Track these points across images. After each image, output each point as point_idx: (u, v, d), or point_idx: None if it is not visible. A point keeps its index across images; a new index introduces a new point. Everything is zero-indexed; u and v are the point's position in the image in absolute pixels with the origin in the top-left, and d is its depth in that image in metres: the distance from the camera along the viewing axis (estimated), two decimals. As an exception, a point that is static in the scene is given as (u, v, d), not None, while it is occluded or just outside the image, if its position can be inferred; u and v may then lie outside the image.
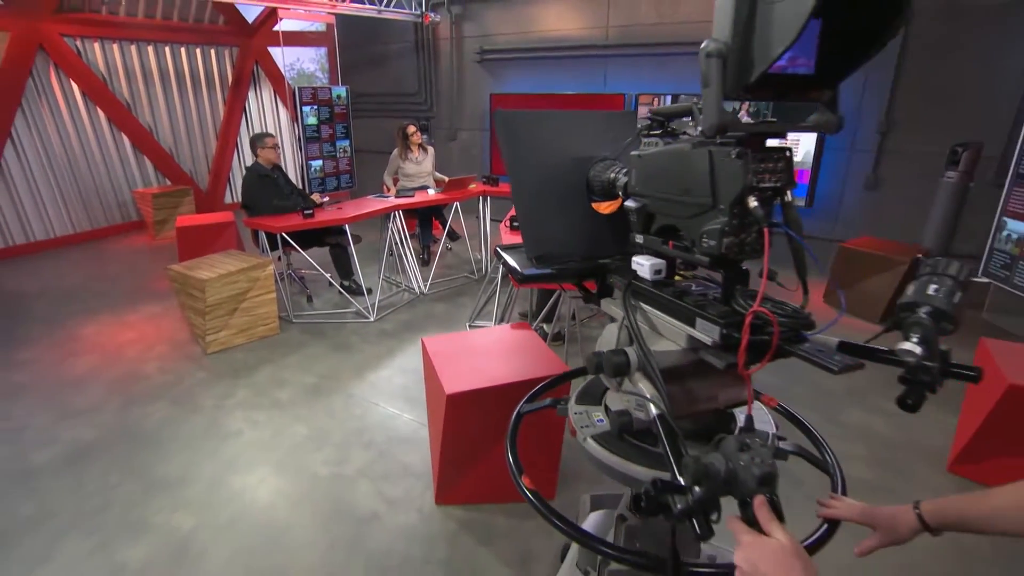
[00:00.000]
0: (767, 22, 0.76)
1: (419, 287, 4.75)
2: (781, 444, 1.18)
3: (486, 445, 2.21)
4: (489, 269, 5.17)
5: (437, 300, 4.67)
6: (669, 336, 1.04)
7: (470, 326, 4.04)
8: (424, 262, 5.30)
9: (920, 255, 4.04)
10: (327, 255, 4.51)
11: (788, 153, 0.88)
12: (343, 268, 4.47)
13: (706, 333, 0.92)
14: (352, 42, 7.56)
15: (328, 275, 4.39)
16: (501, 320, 3.82)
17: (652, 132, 1.09)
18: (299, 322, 4.16)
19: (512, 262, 1.26)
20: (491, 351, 2.34)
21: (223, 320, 3.65)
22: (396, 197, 4.74)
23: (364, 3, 6.14)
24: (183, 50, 7.13)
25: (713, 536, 0.76)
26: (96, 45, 6.40)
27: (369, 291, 4.44)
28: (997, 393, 2.34)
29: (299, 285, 4.77)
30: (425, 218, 5.39)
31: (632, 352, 1.05)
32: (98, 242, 6.44)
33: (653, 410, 1.00)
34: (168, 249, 6.08)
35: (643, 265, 1.05)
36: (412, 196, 4.76)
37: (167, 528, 2.22)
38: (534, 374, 2.11)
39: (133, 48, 6.70)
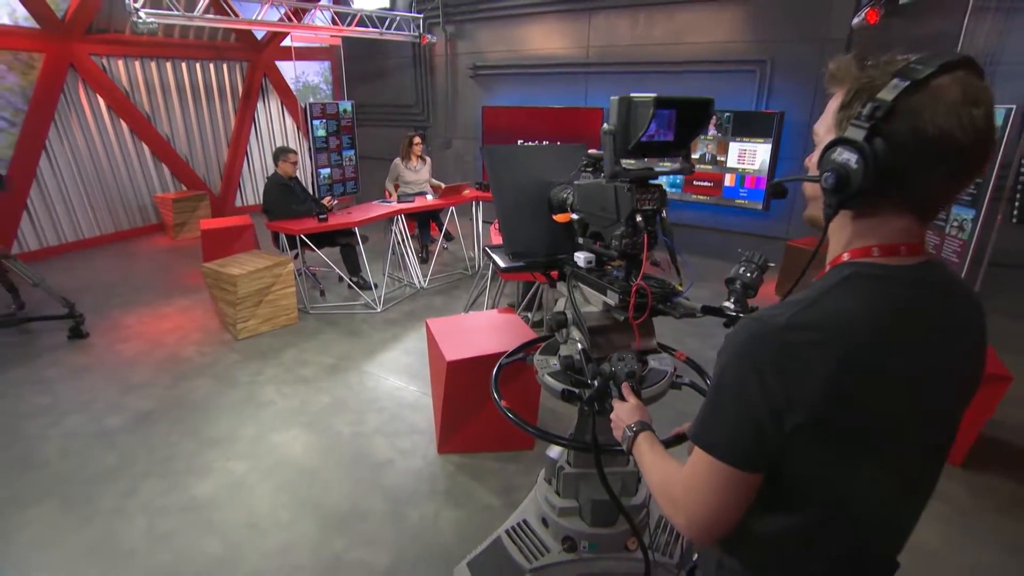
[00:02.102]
0: (635, 117, 1.34)
1: (419, 282, 5.34)
2: (677, 379, 1.77)
3: (479, 404, 2.80)
4: (481, 266, 5.77)
5: (435, 293, 5.26)
6: (594, 302, 1.62)
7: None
8: (423, 260, 5.89)
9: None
10: (337, 253, 5.09)
11: (661, 187, 1.45)
12: (352, 265, 5.05)
13: (611, 298, 1.49)
14: (355, 57, 8.12)
15: (338, 271, 4.98)
16: (492, 309, 4.41)
17: (586, 168, 1.67)
18: (315, 313, 4.74)
19: (496, 258, 1.83)
20: (482, 329, 2.93)
21: (251, 311, 4.23)
22: (398, 202, 5.32)
23: (367, 26, 6.72)
24: (198, 65, 7.69)
25: (610, 412, 1.32)
26: (120, 62, 6.95)
27: (376, 286, 5.02)
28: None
29: (313, 281, 5.35)
30: (423, 221, 5.97)
31: (569, 312, 1.64)
32: (123, 243, 6.99)
33: (579, 346, 1.59)
34: (188, 249, 6.66)
35: (580, 258, 1.58)
36: (412, 201, 5.34)
37: (224, 471, 2.80)
38: (516, 345, 2.70)
39: (153, 64, 7.25)
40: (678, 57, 6.03)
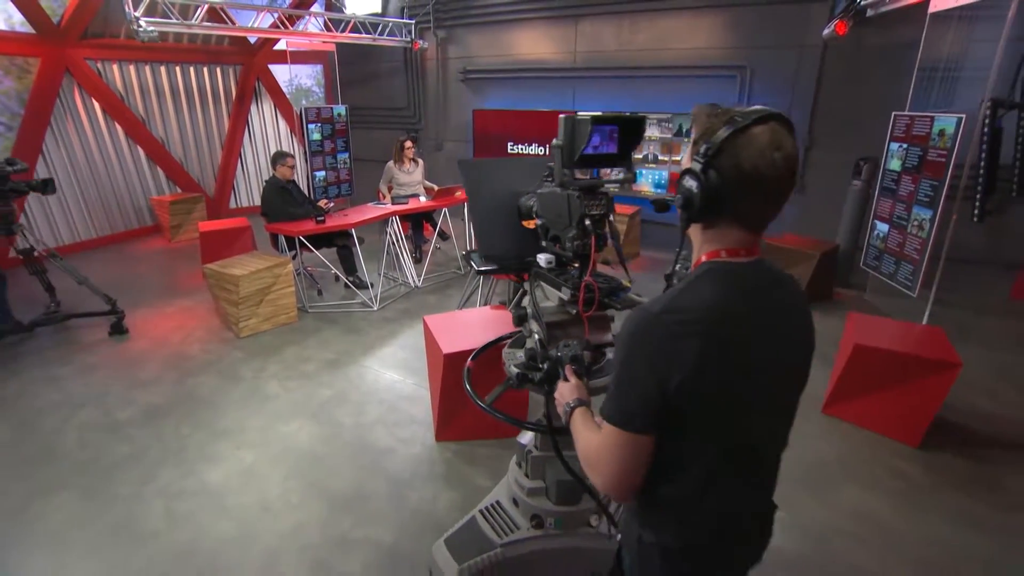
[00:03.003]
0: (578, 133, 1.52)
1: (414, 281, 5.52)
2: None
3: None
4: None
5: (429, 292, 5.44)
6: (552, 299, 1.81)
7: (458, 313, 4.82)
8: (417, 260, 6.07)
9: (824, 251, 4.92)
10: (334, 254, 5.25)
11: (608, 195, 1.62)
12: (348, 265, 5.21)
13: (564, 294, 1.64)
14: (347, 61, 8.27)
15: (334, 271, 5.15)
16: (484, 306, 4.61)
17: (547, 178, 1.85)
18: (314, 311, 4.91)
19: (473, 261, 2.01)
20: (476, 324, 3.13)
21: (252, 310, 4.39)
22: (392, 204, 5.50)
23: (360, 32, 6.88)
24: (191, 69, 7.80)
25: (555, 392, 1.42)
26: (114, 66, 7.05)
27: (372, 285, 5.20)
28: (849, 350, 3.19)
29: (310, 281, 5.51)
30: (417, 222, 6.15)
31: (530, 308, 1.83)
32: (119, 245, 7.09)
33: (536, 337, 1.77)
34: (185, 251, 6.79)
35: (542, 259, 1.70)
36: (406, 203, 5.52)
37: (234, 459, 2.97)
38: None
39: (147, 68, 7.35)
40: (662, 62, 6.26)
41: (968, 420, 3.30)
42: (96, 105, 6.94)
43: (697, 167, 0.95)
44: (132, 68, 7.21)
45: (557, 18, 6.76)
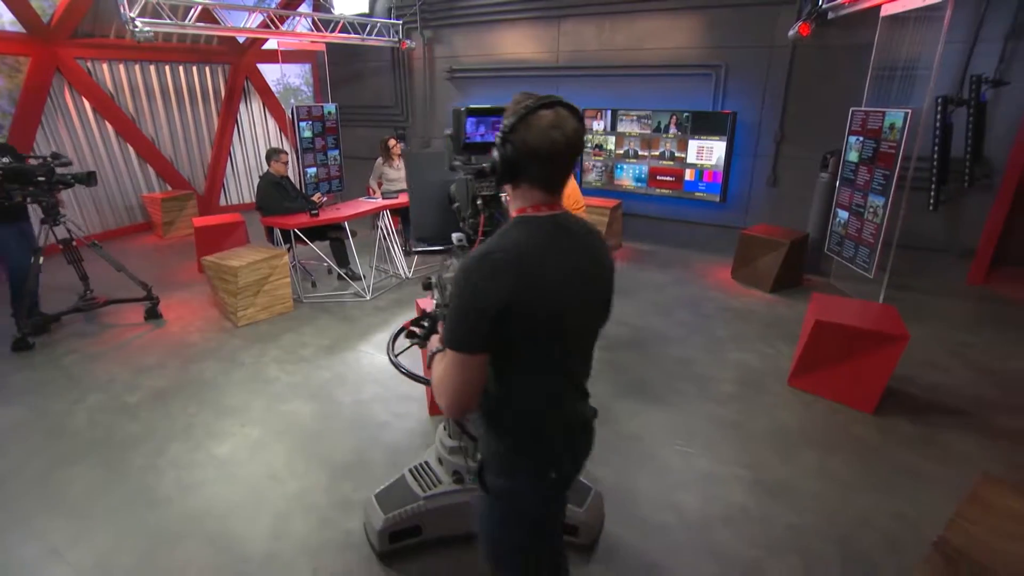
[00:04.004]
0: (459, 122, 1.74)
1: (404, 272, 5.72)
2: None
3: (464, 370, 3.22)
4: (463, 257, 6.15)
5: (417, 284, 5.63)
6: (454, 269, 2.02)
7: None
8: (408, 252, 6.26)
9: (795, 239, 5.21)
10: (327, 247, 5.43)
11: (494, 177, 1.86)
12: (341, 258, 5.40)
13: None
14: (335, 60, 8.42)
15: (326, 264, 5.33)
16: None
17: (455, 167, 2.00)
18: (308, 302, 5.09)
19: (410, 241, 2.26)
20: (466, 306, 3.35)
21: (250, 300, 4.56)
22: (382, 199, 5.69)
23: (349, 32, 7.05)
24: (181, 68, 7.90)
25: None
26: (104, 66, 7.14)
27: (364, 276, 5.39)
28: (810, 326, 3.46)
29: (304, 272, 5.68)
30: (407, 216, 6.34)
31: (434, 278, 1.99)
32: (112, 242, 7.16)
33: (433, 303, 1.99)
34: (178, 246, 6.91)
35: (454, 237, 1.93)
36: (396, 197, 5.71)
37: (241, 435, 3.16)
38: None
39: (137, 67, 7.45)
40: (641, 61, 6.53)
41: (920, 391, 3.60)
42: (86, 104, 7.03)
43: (499, 141, 1.21)
44: (122, 67, 7.31)
45: (540, 19, 7.00)
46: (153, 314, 4.67)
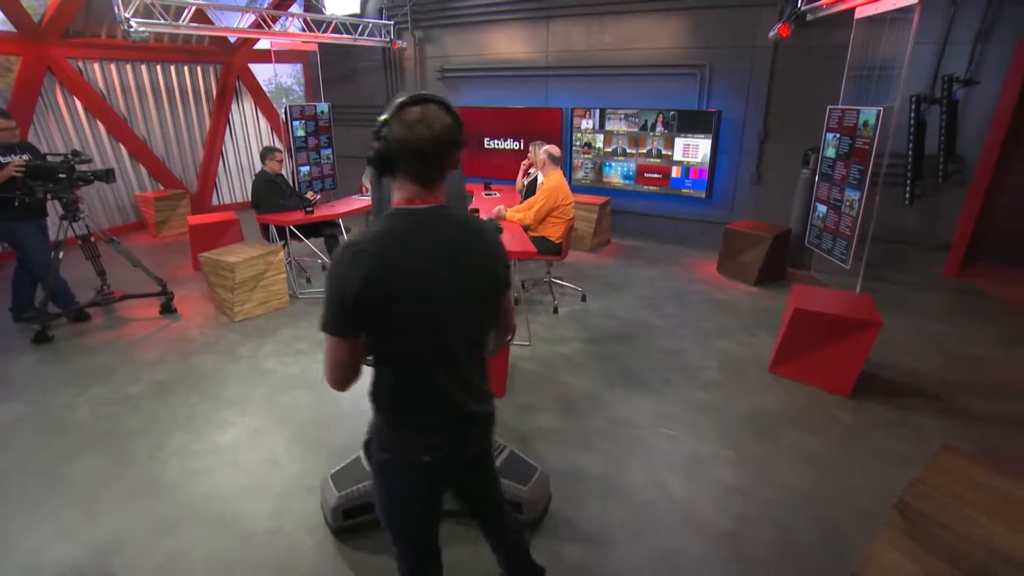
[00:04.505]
0: None
1: (398, 269, 5.82)
2: None
3: (458, 359, 3.34)
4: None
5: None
6: None
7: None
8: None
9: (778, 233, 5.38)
10: (322, 244, 5.52)
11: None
12: (335, 255, 5.49)
13: None
14: (327, 60, 8.49)
15: (320, 261, 5.42)
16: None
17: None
18: (303, 297, 5.18)
19: None
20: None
21: (247, 295, 4.65)
22: (376, 196, 5.79)
23: (341, 32, 7.13)
24: (172, 68, 7.93)
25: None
26: (96, 65, 7.16)
27: (358, 273, 5.48)
28: (790, 315, 3.62)
29: (299, 269, 5.76)
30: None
31: None
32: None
33: None
34: (172, 245, 6.96)
35: None
36: (390, 195, 5.81)
37: (241, 424, 3.26)
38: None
39: (128, 67, 7.47)
40: (628, 61, 6.67)
41: (894, 376, 3.77)
42: (78, 103, 7.05)
43: (374, 136, 1.26)
44: (113, 67, 7.33)
45: (530, 19, 7.12)
46: (168, 308, 4.77)
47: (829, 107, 4.92)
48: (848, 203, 4.51)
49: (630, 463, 2.91)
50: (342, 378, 1.33)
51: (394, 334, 1.29)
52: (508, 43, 7.39)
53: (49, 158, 4.31)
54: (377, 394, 1.41)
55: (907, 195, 4.90)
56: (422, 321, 1.29)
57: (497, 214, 4.71)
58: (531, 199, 4.77)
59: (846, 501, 2.63)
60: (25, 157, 4.13)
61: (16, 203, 4.01)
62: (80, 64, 7.01)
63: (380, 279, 1.21)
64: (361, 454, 2.52)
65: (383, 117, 1.22)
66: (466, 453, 1.52)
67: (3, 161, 4.00)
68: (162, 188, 7.97)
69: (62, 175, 4.14)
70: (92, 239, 4.55)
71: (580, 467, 2.87)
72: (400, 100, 1.23)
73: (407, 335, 1.30)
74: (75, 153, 4.25)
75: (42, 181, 4.11)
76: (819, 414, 3.36)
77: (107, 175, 4.33)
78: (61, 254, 4.29)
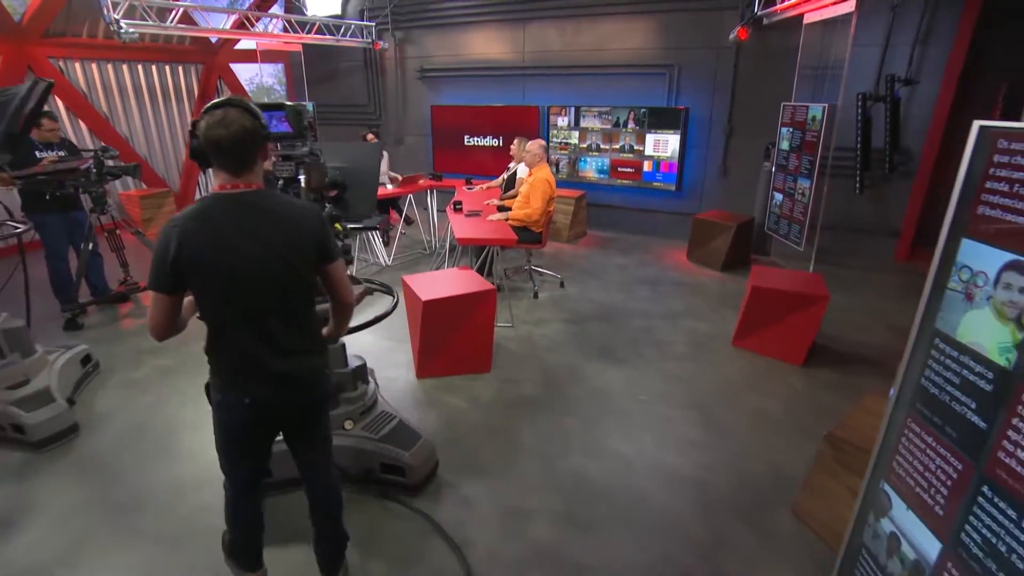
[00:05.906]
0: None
1: (384, 261, 6.06)
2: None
3: (448, 336, 3.61)
4: (437, 245, 6.57)
5: (399, 270, 5.99)
6: None
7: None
8: (386, 242, 6.60)
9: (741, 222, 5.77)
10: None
11: (294, 160, 2.40)
12: (324, 248, 5.69)
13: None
14: (309, 60, 8.66)
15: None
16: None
17: None
18: (295, 288, 5.37)
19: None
20: (447, 280, 3.74)
21: (240, 286, 4.83)
22: (362, 191, 6.00)
23: (324, 33, 7.32)
24: (154, 67, 8.01)
25: None
26: (77, 65, 7.21)
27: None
28: (748, 292, 3.98)
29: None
30: (384, 208, 6.67)
31: None
32: (89, 239, 7.27)
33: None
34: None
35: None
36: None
37: (245, 401, 3.47)
38: (472, 290, 3.54)
39: (110, 67, 7.53)
40: (601, 61, 7.02)
41: (844, 348, 4.16)
42: (60, 103, 7.09)
43: (191, 134, 1.55)
44: (95, 66, 7.38)
45: (507, 20, 7.42)
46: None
47: (783, 104, 5.34)
48: (800, 191, 4.92)
49: (607, 424, 3.22)
50: (162, 330, 1.58)
51: (205, 297, 1.56)
52: (486, 44, 7.67)
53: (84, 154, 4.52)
54: (207, 347, 1.66)
55: (857, 185, 5.33)
56: (224, 285, 1.52)
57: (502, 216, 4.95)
58: (524, 194, 4.92)
59: (798, 449, 2.98)
60: (61, 153, 4.36)
61: (47, 196, 4.19)
62: (61, 63, 7.06)
63: (188, 248, 1.45)
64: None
65: (195, 119, 1.49)
66: (283, 403, 1.73)
67: (39, 157, 4.20)
68: (144, 187, 8.04)
69: (92, 170, 4.33)
70: (118, 232, 4.74)
71: (562, 428, 3.17)
72: (208, 105, 1.48)
73: (215, 299, 1.55)
74: (104, 150, 4.43)
75: (73, 176, 4.29)
76: (775, 380, 3.72)
77: (135, 170, 4.55)
78: (92, 245, 4.50)
